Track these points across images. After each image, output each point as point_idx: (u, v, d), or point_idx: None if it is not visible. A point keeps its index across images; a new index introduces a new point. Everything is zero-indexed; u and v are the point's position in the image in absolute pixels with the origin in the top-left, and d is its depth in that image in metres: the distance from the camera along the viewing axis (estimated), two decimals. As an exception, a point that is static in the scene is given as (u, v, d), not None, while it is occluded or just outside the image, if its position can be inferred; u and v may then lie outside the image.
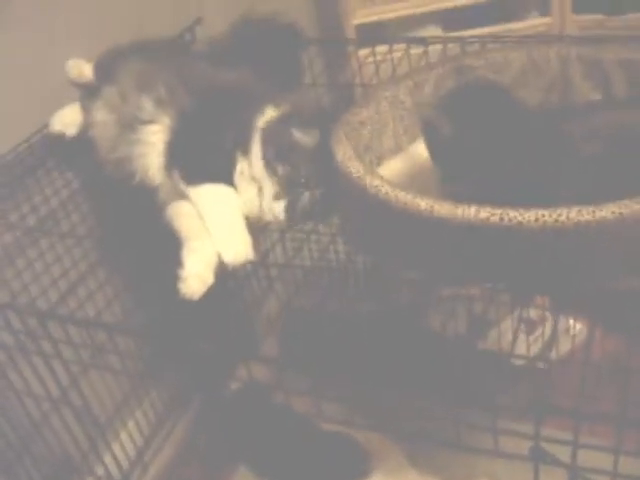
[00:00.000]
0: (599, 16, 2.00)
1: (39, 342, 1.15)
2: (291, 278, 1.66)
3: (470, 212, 0.85)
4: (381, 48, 1.52)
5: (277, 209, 1.12)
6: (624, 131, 1.04)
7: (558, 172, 0.99)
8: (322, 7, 2.31)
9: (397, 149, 1.24)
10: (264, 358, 1.19)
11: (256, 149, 1.13)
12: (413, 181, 1.14)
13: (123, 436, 1.47)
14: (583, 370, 0.92)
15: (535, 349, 1.73)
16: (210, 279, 1.06)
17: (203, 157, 1.14)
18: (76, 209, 1.40)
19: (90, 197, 1.44)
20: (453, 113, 1.02)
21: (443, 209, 0.87)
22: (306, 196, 1.11)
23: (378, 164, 1.19)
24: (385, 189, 0.92)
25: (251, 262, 1.10)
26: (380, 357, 1.40)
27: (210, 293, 1.05)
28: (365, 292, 1.77)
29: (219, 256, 1.07)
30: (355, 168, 0.98)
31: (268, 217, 1.14)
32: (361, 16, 2.09)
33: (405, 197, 0.90)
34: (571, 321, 1.77)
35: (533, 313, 1.77)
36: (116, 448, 1.35)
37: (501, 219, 0.84)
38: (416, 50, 1.46)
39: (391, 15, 2.09)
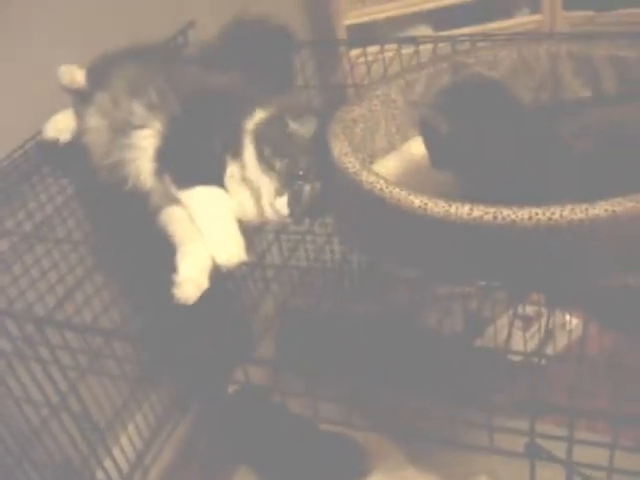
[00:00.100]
0: (589, 12, 2.01)
1: (37, 348, 1.15)
2: (287, 279, 1.67)
3: (463, 210, 0.86)
4: (372, 48, 1.53)
5: (279, 205, 1.11)
6: (614, 128, 1.04)
7: (550, 169, 0.99)
8: (313, 8, 2.31)
9: (390, 148, 1.24)
10: (260, 360, 1.19)
11: (249, 151, 1.13)
12: (407, 179, 1.15)
13: (123, 440, 1.47)
14: (578, 366, 0.93)
15: (532, 345, 1.74)
16: (204, 283, 1.06)
17: (193, 161, 1.14)
18: (71, 215, 1.40)
19: (85, 203, 1.44)
20: (450, 111, 1.02)
21: (437, 207, 0.88)
22: (307, 189, 1.11)
23: (371, 162, 1.20)
24: (380, 185, 0.93)
25: (245, 263, 1.10)
26: (377, 356, 1.41)
27: (206, 296, 1.05)
28: (361, 292, 1.78)
29: (213, 259, 1.07)
30: (351, 164, 0.99)
31: (270, 215, 1.14)
32: (352, 17, 2.10)
33: (399, 194, 0.91)
34: (567, 316, 1.78)
35: (529, 309, 1.78)
36: (116, 452, 1.36)
37: (494, 217, 0.84)
38: (407, 50, 1.46)
39: (382, 15, 2.09)
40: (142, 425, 1.53)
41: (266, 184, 1.12)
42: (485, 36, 1.48)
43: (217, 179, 1.13)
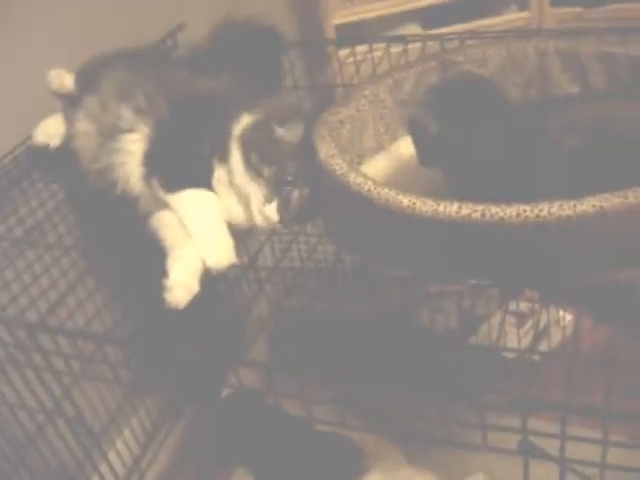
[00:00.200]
0: (577, 9, 2.01)
1: (29, 354, 1.15)
2: (280, 279, 1.66)
3: (452, 209, 0.86)
4: (361, 48, 1.52)
5: (269, 211, 1.11)
6: (603, 124, 1.04)
7: (539, 166, 0.99)
8: (302, 8, 2.31)
9: (378, 148, 1.24)
10: (252, 363, 1.19)
11: (235, 157, 1.13)
12: (396, 179, 1.15)
13: (119, 444, 1.47)
14: (571, 362, 0.93)
15: (526, 342, 1.74)
16: (195, 287, 1.06)
17: (180, 165, 1.14)
18: (62, 220, 1.40)
19: (76, 208, 1.44)
20: (439, 110, 1.02)
21: (425, 206, 0.87)
22: (296, 194, 1.11)
23: (359, 163, 1.19)
24: (368, 186, 0.93)
25: (235, 266, 1.10)
26: (371, 356, 1.41)
27: (197, 299, 1.05)
28: (355, 291, 1.78)
29: (204, 263, 1.07)
30: (339, 165, 0.99)
31: (259, 222, 1.14)
32: (341, 16, 2.10)
33: (388, 194, 0.91)
34: (561, 312, 1.78)
35: (523, 306, 1.78)
36: (112, 456, 1.35)
37: (483, 215, 0.84)
38: (396, 49, 1.46)
39: (370, 15, 2.10)
40: (138, 429, 1.53)
41: (255, 191, 1.12)
42: (474, 34, 1.48)
43: (205, 183, 1.13)
